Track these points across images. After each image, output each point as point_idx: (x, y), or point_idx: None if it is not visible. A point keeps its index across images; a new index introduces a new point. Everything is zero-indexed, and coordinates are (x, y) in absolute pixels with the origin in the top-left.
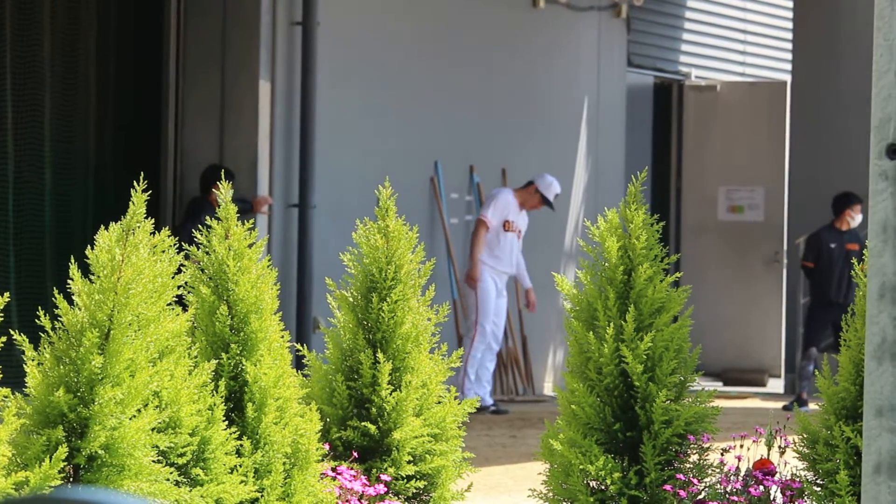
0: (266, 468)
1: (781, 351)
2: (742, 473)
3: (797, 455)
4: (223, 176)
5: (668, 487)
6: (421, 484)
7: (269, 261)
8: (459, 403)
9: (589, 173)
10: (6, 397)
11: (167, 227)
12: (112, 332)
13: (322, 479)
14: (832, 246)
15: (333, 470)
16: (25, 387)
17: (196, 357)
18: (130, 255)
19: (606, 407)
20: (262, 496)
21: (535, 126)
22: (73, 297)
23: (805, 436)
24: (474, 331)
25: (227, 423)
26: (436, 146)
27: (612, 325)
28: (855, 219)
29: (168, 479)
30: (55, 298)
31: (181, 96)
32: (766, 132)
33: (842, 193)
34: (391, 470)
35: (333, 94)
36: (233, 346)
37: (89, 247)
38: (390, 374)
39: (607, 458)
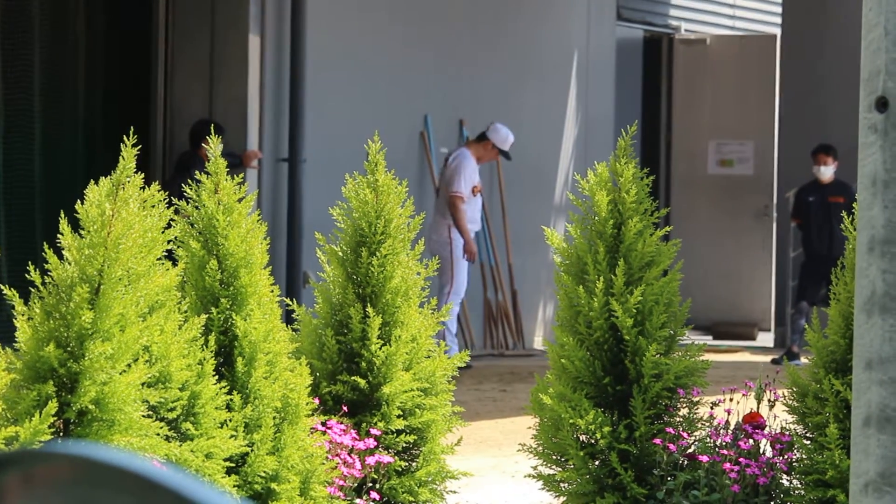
0: (256, 422)
1: (771, 305)
2: (731, 427)
3: (787, 408)
4: (212, 130)
5: (657, 441)
6: (411, 438)
7: (258, 215)
8: (449, 358)
9: (578, 127)
10: None
11: (157, 182)
12: (102, 286)
13: (312, 433)
14: (810, 199)
15: (323, 424)
16: (16, 342)
17: (186, 312)
18: (120, 209)
19: (596, 361)
20: (252, 450)
21: (525, 80)
22: (63, 252)
23: (794, 389)
24: (450, 287)
25: (216, 377)
26: (425, 100)
27: (601, 278)
28: (820, 170)
29: (158, 434)
30: (45, 253)
31: (171, 50)
32: (756, 86)
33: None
34: (381, 424)
35: (323, 48)
36: (222, 300)
37: (79, 202)
38: (380, 329)
39: (597, 412)
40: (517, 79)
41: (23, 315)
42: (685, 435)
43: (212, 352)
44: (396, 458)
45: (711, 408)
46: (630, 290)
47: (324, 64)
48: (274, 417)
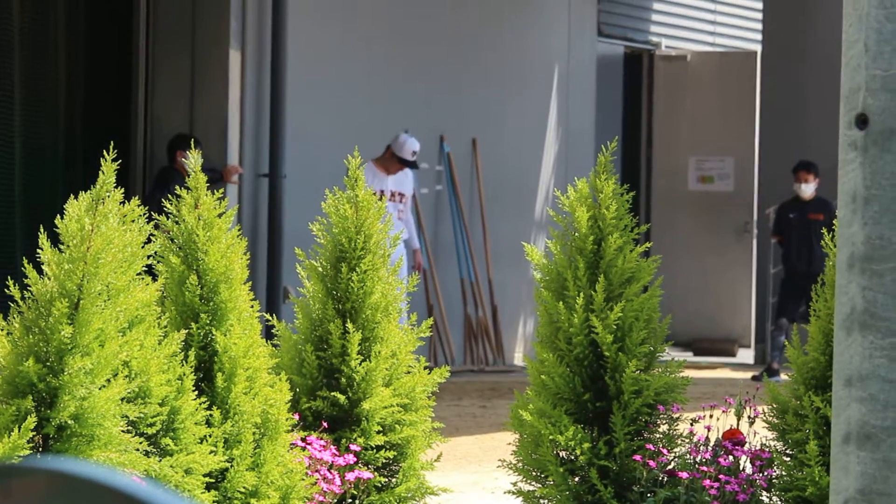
0: (236, 438)
1: (751, 321)
2: (711, 443)
3: (767, 425)
4: (192, 144)
5: (637, 457)
6: (390, 454)
7: (238, 230)
8: (429, 373)
9: (559, 143)
10: None
11: (137, 197)
12: (81, 301)
13: (292, 449)
14: (791, 216)
15: (303, 440)
16: None
17: (166, 327)
18: (100, 224)
19: (576, 377)
20: (231, 466)
21: (506, 96)
22: (43, 267)
23: (774, 406)
24: None
25: (196, 393)
26: (406, 115)
27: (581, 295)
28: (801, 188)
29: (138, 449)
30: (25, 268)
31: (151, 65)
32: (737, 102)
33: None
34: (361, 440)
35: (303, 64)
36: (202, 315)
37: (59, 216)
38: (360, 344)
39: (577, 428)
40: (498, 94)
41: (2, 330)
42: (665, 451)
43: (191, 367)
44: (376, 473)
45: (691, 424)
46: (610, 307)
47: (304, 79)
48: (254, 433)
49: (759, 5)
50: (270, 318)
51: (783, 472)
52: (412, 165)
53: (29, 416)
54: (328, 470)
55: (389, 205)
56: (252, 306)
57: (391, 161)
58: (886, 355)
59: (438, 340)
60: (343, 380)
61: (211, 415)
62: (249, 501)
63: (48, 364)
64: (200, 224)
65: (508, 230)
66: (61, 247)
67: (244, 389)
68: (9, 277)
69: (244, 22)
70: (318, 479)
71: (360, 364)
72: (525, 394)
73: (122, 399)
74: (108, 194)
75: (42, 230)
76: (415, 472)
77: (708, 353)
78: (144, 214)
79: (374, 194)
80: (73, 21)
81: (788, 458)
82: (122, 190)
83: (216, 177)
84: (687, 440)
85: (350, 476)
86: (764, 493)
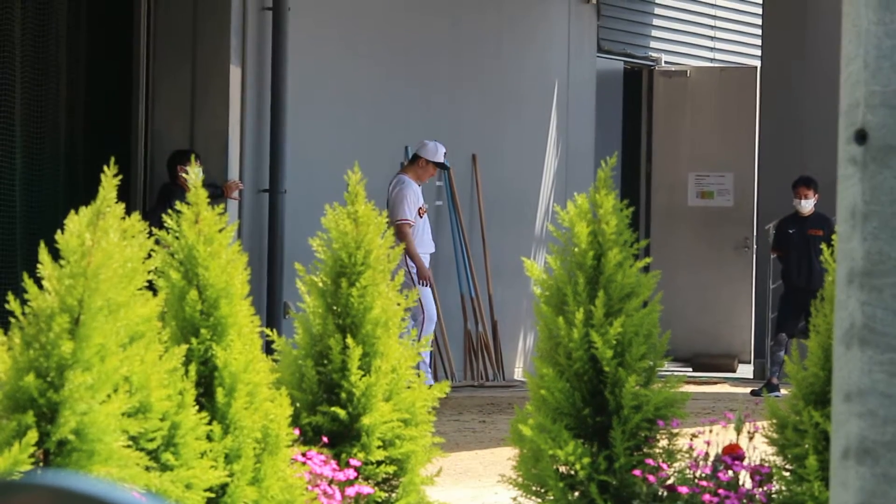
0: (236, 453)
1: (751, 336)
2: (711, 458)
3: (766, 440)
4: (192, 160)
5: (637, 472)
6: (391, 469)
7: (239, 246)
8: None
9: (559, 159)
10: None
11: (138, 212)
12: (82, 316)
13: (292, 464)
14: (790, 232)
15: (303, 455)
16: None
17: (166, 342)
18: (100, 239)
19: (576, 392)
20: (232, 481)
21: (506, 112)
22: (43, 282)
23: (774, 421)
24: (422, 315)
25: (197, 408)
26: (406, 131)
27: (581, 310)
28: (801, 203)
29: (138, 464)
30: (25, 283)
31: (152, 81)
32: (736, 118)
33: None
34: (361, 455)
35: (304, 80)
36: (203, 330)
37: (59, 231)
38: (360, 359)
39: (577, 443)
40: (498, 110)
41: (2, 345)
42: (665, 466)
43: (192, 382)
44: (376, 488)
45: (691, 439)
46: (610, 322)
47: (304, 95)
48: (254, 448)
49: (759, 21)
50: (270, 333)
51: (783, 487)
52: (446, 167)
53: (29, 431)
54: (328, 485)
55: (426, 217)
56: (252, 321)
57: (426, 169)
58: (885, 370)
59: (439, 355)
60: (343, 395)
61: (211, 430)
62: None
63: (49, 379)
64: (201, 239)
65: (508, 245)
66: (62, 262)
67: (245, 404)
68: (9, 292)
69: (244, 38)
70: (318, 494)
71: (360, 379)
72: (525, 409)
73: (123, 414)
74: (108, 209)
75: (43, 245)
76: (415, 487)
77: (707, 369)
78: (145, 230)
79: (421, 208)
80: (73, 37)
81: (788, 473)
82: (123, 205)
83: (217, 192)
84: (687, 455)
85: (350, 491)
86: None
